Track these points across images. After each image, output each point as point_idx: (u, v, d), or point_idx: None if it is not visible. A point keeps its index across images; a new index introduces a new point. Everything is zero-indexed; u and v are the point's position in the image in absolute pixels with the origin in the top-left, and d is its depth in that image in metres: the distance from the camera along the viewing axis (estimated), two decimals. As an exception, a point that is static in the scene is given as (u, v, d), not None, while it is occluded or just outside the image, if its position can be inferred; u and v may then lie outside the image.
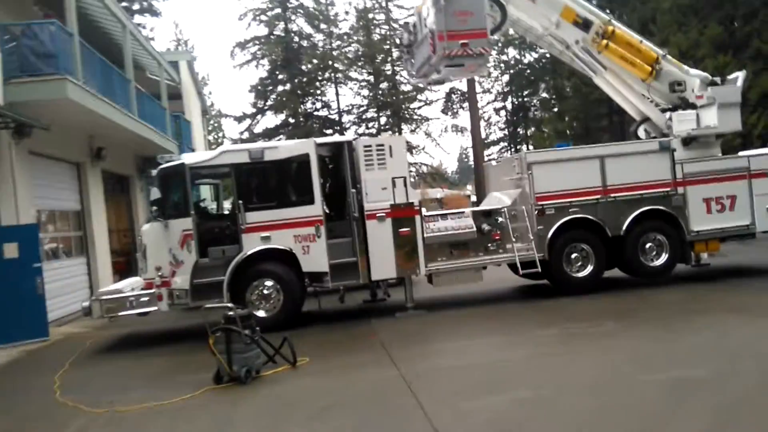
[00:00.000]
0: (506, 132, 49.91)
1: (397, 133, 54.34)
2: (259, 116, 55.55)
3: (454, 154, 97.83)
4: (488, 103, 51.30)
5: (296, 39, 55.51)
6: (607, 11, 11.80)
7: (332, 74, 55.85)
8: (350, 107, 55.52)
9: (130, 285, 10.18)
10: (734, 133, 12.20)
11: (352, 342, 8.79)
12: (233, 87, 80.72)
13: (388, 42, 54.83)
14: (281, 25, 54.29)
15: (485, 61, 11.26)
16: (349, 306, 11.71)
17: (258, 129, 55.42)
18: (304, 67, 54.26)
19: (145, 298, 9.52)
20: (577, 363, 6.45)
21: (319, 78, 55.92)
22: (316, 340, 8.98)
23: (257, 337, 7.03)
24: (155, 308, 9.58)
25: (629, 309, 9.24)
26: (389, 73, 55.08)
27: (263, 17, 53.18)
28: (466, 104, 51.13)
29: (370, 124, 55.56)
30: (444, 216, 10.64)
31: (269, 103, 55.38)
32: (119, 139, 16.39)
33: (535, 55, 44.98)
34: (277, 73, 54.73)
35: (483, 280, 10.67)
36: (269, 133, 56.22)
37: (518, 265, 10.53)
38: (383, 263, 10.00)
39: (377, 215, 10.00)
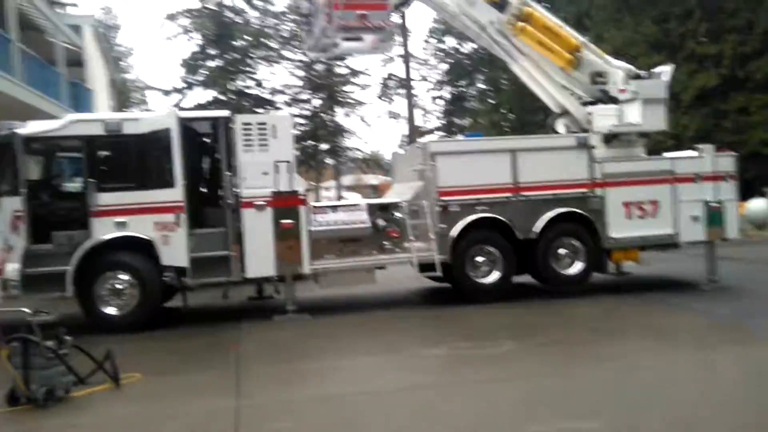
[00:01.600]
0: (443, 122, 49.30)
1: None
2: (187, 91, 52.91)
3: (393, 141, 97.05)
4: (427, 91, 50.65)
5: (229, 14, 53.09)
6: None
7: (266, 52, 53.86)
8: (283, 87, 53.71)
9: None
10: (661, 132, 11.40)
11: (205, 353, 7.37)
12: (163, 60, 76.50)
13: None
14: (214, -1, 51.80)
15: (388, 37, 10.01)
16: (231, 303, 10.21)
17: (186, 104, 52.82)
18: (236, 44, 52.01)
19: None
20: (452, 402, 5.25)
21: (252, 56, 53.78)
22: (165, 348, 7.62)
23: (66, 350, 5.65)
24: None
25: (533, 325, 8.21)
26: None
27: (196, -11, 50.49)
28: (402, 90, 50.36)
29: (304, 106, 54.02)
30: (335, 208, 9.34)
31: (199, 78, 52.84)
32: (3, 106, 14.35)
33: (474, 46, 44.44)
34: (208, 48, 52.21)
35: (376, 282, 9.47)
36: (199, 110, 53.56)
37: (414, 267, 9.32)
38: (261, 259, 8.63)
39: (255, 203, 8.59)
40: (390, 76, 51.24)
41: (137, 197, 8.29)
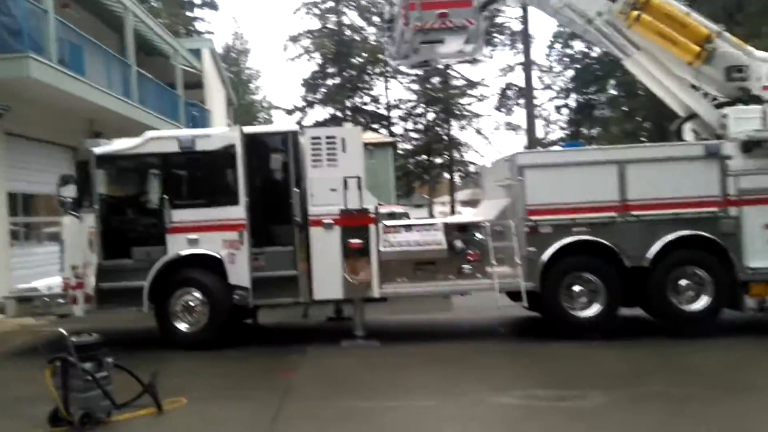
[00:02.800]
0: (568, 132, 46.29)
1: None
2: (308, 109, 55.05)
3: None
4: (549, 99, 48.17)
5: (348, 32, 54.46)
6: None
7: (383, 68, 54.54)
8: (398, 102, 54.00)
9: (51, 284, 8.76)
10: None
11: (257, 379, 6.95)
12: (286, 80, 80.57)
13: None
14: (333, 18, 53.36)
15: (474, 37, 9.03)
16: (308, 323, 9.69)
17: (307, 122, 54.94)
18: (354, 61, 53.22)
19: (60, 300, 8.29)
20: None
21: (369, 72, 54.73)
22: (222, 371, 7.36)
23: (105, 373, 5.45)
24: (69, 313, 8.29)
25: (635, 372, 6.81)
26: (441, 67, 53.12)
27: (316, 10, 52.39)
28: (523, 100, 48.37)
29: (419, 119, 53.84)
30: (409, 227, 8.50)
31: (318, 96, 54.77)
32: (119, 124, 15.52)
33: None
34: (328, 66, 53.94)
35: (452, 309, 8.51)
36: (318, 126, 55.47)
37: (497, 295, 8.20)
38: (328, 280, 8.12)
39: (323, 222, 8.10)
40: (509, 86, 49.52)
41: (207, 214, 8.19)
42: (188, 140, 8.26)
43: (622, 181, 8.37)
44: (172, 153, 8.30)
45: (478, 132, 52.27)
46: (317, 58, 52.93)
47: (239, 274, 8.02)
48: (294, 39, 54.25)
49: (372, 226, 8.14)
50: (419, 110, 55.17)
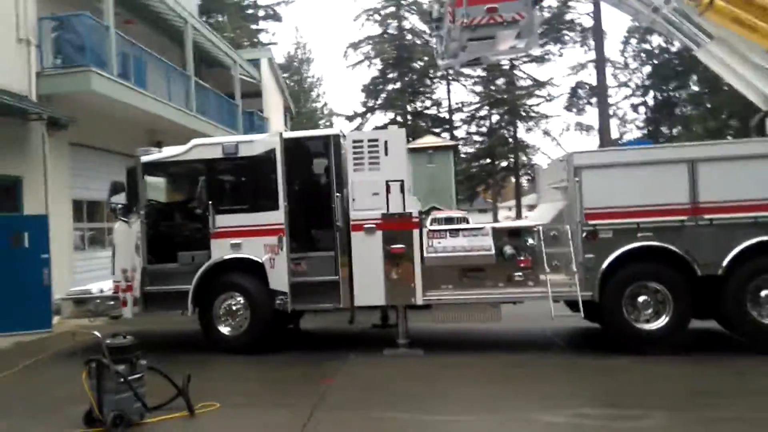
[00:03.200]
0: (646, 131, 44.01)
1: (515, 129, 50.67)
2: (368, 115, 55.34)
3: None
4: (624, 98, 45.86)
5: (409, 37, 54.30)
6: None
7: (444, 71, 54.01)
8: (460, 105, 53.27)
9: (104, 286, 8.95)
10: None
11: (293, 386, 6.76)
12: (346, 87, 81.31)
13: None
14: (394, 23, 53.38)
15: (527, 31, 8.50)
16: (353, 329, 9.38)
17: (367, 128, 55.16)
18: (415, 65, 53.02)
19: (111, 302, 8.48)
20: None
21: (430, 75, 54.35)
22: (260, 376, 7.29)
23: (138, 375, 5.53)
24: (120, 314, 8.49)
25: (704, 390, 6.11)
26: (506, 67, 52.00)
27: (376, 16, 52.61)
28: (595, 99, 46.52)
29: (482, 122, 52.88)
30: (455, 232, 8.04)
31: (379, 102, 54.93)
32: (179, 133, 15.94)
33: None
34: (388, 71, 54.00)
35: (500, 319, 8.00)
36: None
37: (551, 304, 7.63)
38: (370, 286, 7.85)
39: (365, 226, 7.83)
40: (580, 85, 47.66)
41: (248, 219, 8.19)
42: (232, 146, 8.27)
43: (693, 181, 7.61)
44: (216, 159, 8.34)
45: (546, 134, 50.80)
46: (378, 63, 53.13)
47: (279, 278, 7.95)
48: (354, 46, 54.66)
49: (415, 231, 7.79)
50: (483, 112, 54.26)
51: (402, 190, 7.80)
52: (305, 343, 9.13)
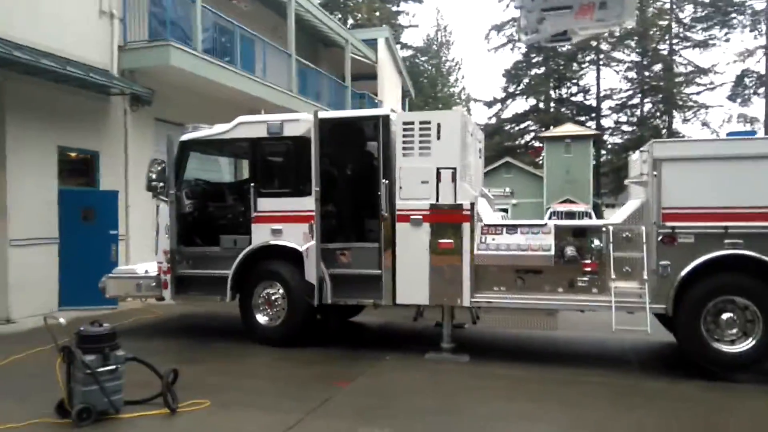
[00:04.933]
0: None
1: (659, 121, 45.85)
2: (509, 101, 53.82)
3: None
4: None
5: (558, 16, 51.64)
6: None
7: (595, 55, 50.81)
8: (609, 92, 49.88)
9: (149, 267, 8.82)
10: None
11: (305, 387, 6.32)
12: (487, 72, 78.54)
13: (667, 16, 47.27)
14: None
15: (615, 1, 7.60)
16: (415, 326, 9.12)
17: (507, 114, 53.69)
18: (562, 49, 50.39)
19: (153, 283, 8.48)
20: None
21: (579, 60, 51.41)
22: (272, 374, 6.95)
23: (111, 366, 5.08)
24: (161, 296, 8.54)
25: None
26: (665, 52, 47.74)
27: (522, -4, 50.69)
28: (763, 89, 41.57)
29: (632, 111, 49.11)
30: (513, 228, 7.46)
31: (521, 87, 53.15)
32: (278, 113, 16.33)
33: None
34: (533, 55, 51.93)
35: (557, 328, 7.34)
36: (518, 119, 53.93)
37: (612, 315, 6.84)
38: (413, 283, 7.41)
39: (411, 217, 7.43)
40: (746, 73, 42.66)
41: (290, 204, 7.88)
42: (277, 125, 7.92)
43: (798, 181, 6.40)
44: (260, 138, 8.02)
45: (705, 125, 46.06)
46: (522, 47, 51.36)
47: (309, 269, 7.59)
48: (498, 28, 53.26)
49: (465, 225, 7.28)
50: (635, 101, 50.50)
51: (454, 179, 7.30)
52: (351, 339, 8.88)
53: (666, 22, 48.37)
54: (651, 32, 46.91)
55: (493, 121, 55.31)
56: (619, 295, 6.87)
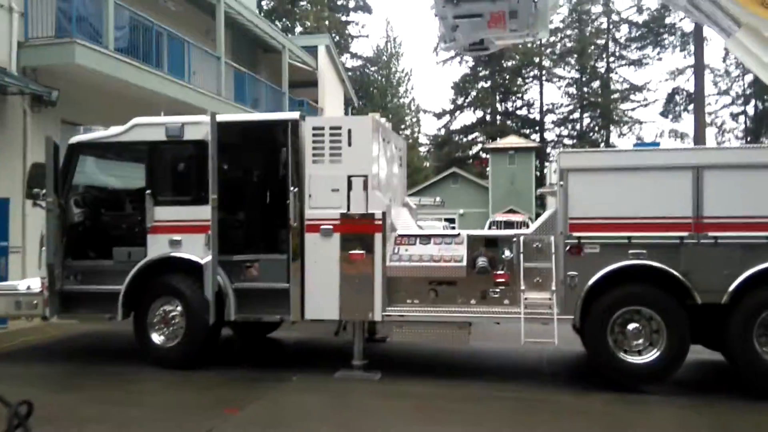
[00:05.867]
0: (745, 142, 40.93)
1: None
2: (457, 113, 54.52)
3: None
4: (723, 106, 42.67)
5: (502, 33, 52.80)
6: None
7: (538, 71, 52.13)
8: (551, 106, 51.29)
9: (33, 283, 7.84)
10: None
11: (188, 416, 5.73)
12: (436, 84, 79.17)
13: (604, 35, 49.02)
14: (487, 19, 52.12)
15: (526, 9, 7.65)
16: (336, 341, 8.38)
17: (455, 126, 54.40)
18: (507, 64, 51.56)
19: (35, 301, 7.54)
20: None
21: (523, 75, 52.64)
22: (156, 401, 6.37)
23: None
24: (43, 314, 7.58)
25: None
26: (602, 70, 49.50)
27: (469, 12, 51.61)
28: (692, 106, 43.55)
29: (573, 126, 50.61)
30: (426, 238, 7.34)
31: (468, 100, 53.96)
32: None
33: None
34: (480, 69, 52.87)
35: (468, 342, 7.17)
36: (465, 131, 54.68)
37: (521, 327, 6.78)
38: (323, 297, 7.10)
39: (321, 227, 7.16)
40: (677, 91, 44.84)
41: (186, 213, 7.37)
42: (176, 128, 7.38)
43: (698, 191, 6.49)
44: (157, 142, 7.49)
45: (639, 139, 47.87)
46: (469, 60, 52.20)
47: (207, 283, 7.03)
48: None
49: (377, 235, 7.06)
50: (575, 115, 52.15)
51: (366, 187, 7.08)
52: (261, 357, 8.42)
53: (603, 41, 50.18)
54: (589, 50, 48.57)
55: (443, 132, 55.93)
56: (530, 307, 6.81)
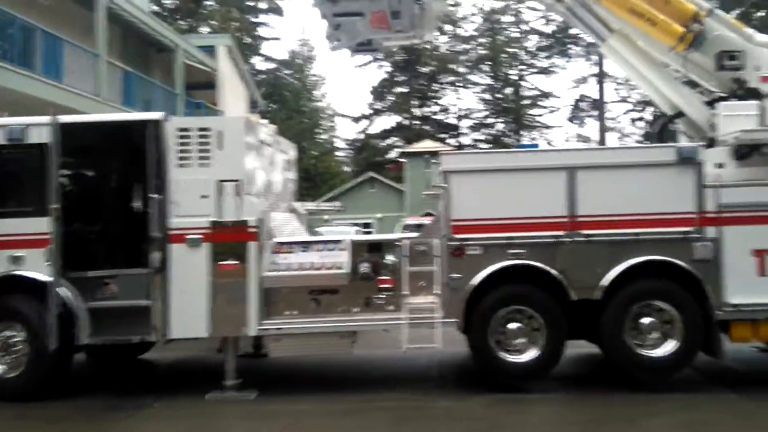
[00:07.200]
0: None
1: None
2: (375, 117, 54.69)
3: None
4: (624, 112, 45.40)
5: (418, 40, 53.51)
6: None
7: (454, 77, 53.22)
8: (467, 112, 52.50)
9: None
10: None
11: None
12: (354, 88, 79.14)
13: (515, 45, 50.73)
14: (403, 25, 52.69)
15: (408, 9, 7.53)
16: (218, 359, 7.36)
17: (373, 130, 54.53)
18: (424, 70, 52.32)
19: None
20: None
21: (440, 81, 53.58)
22: None
23: None
24: None
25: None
26: (514, 77, 51.20)
27: (386, 17, 51.93)
28: (597, 113, 45.95)
29: (489, 130, 52.03)
30: (307, 245, 7.01)
31: (386, 104, 54.30)
32: None
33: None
34: (397, 74, 53.32)
35: (353, 351, 6.90)
36: (383, 135, 54.92)
37: (405, 333, 6.56)
38: (190, 313, 6.52)
39: (188, 237, 6.60)
40: (582, 98, 47.20)
41: (28, 225, 6.53)
42: (18, 130, 6.57)
43: (572, 191, 6.53)
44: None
45: (549, 144, 49.97)
46: (386, 66, 52.53)
47: (50, 304, 6.23)
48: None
49: (251, 244, 6.61)
50: (489, 120, 53.71)
51: (239, 193, 6.61)
52: (125, 382, 7.67)
53: (514, 50, 52.00)
54: (501, 58, 50.17)
55: (361, 136, 56.01)
56: (414, 312, 6.61)
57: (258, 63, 47.93)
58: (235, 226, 6.66)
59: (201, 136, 6.73)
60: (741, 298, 6.21)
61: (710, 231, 6.29)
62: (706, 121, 7.05)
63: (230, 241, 6.65)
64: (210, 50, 21.65)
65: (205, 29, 38.26)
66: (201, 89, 21.02)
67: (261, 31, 49.46)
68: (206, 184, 6.64)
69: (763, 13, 28.19)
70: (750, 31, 7.09)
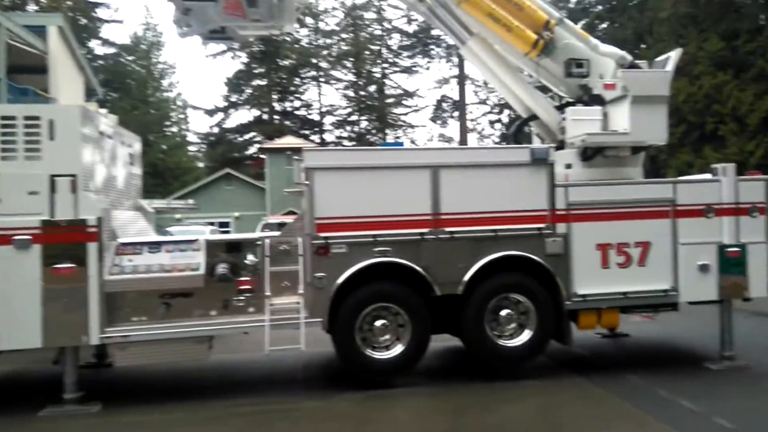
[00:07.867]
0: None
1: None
2: (231, 111, 52.55)
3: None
4: (483, 114, 47.97)
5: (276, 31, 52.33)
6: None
7: (316, 72, 52.74)
8: (331, 108, 52.35)
9: None
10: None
11: None
12: (207, 79, 75.28)
13: (378, 42, 51.47)
14: (260, 15, 51.20)
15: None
16: (52, 371, 6.87)
17: (230, 124, 52.41)
18: (284, 63, 51.21)
19: None
20: None
21: (301, 75, 52.82)
22: None
23: None
24: None
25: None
26: (378, 75, 51.88)
27: (241, 5, 50.08)
28: (458, 113, 47.95)
29: (353, 128, 52.30)
30: (156, 246, 6.42)
31: (243, 97, 52.38)
32: None
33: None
34: (255, 66, 51.62)
35: (208, 357, 6.48)
36: (241, 130, 53.01)
37: (266, 336, 6.26)
38: (19, 322, 5.77)
39: (15, 238, 5.81)
40: (444, 98, 48.93)
41: None
42: None
43: (436, 189, 6.61)
44: None
45: (413, 143, 51.41)
46: (243, 56, 50.66)
47: None
48: (217, 35, 51.72)
49: (91, 245, 5.93)
50: (353, 118, 53.93)
51: (74, 189, 5.93)
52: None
53: (378, 48, 52.57)
54: (364, 55, 50.47)
55: (216, 130, 53.53)
56: (276, 313, 6.33)
57: (97, 47, 43.94)
58: (71, 226, 5.96)
59: (28, 126, 5.94)
60: (587, 288, 6.69)
61: (561, 227, 6.68)
62: (557, 125, 7.54)
63: (66, 242, 5.94)
64: (40, 30, 19.11)
65: (32, 7, 34.20)
66: (28, 73, 18.58)
67: (100, 13, 45.27)
68: (36, 179, 5.91)
69: (606, 25, 31.23)
70: (595, 41, 7.67)
